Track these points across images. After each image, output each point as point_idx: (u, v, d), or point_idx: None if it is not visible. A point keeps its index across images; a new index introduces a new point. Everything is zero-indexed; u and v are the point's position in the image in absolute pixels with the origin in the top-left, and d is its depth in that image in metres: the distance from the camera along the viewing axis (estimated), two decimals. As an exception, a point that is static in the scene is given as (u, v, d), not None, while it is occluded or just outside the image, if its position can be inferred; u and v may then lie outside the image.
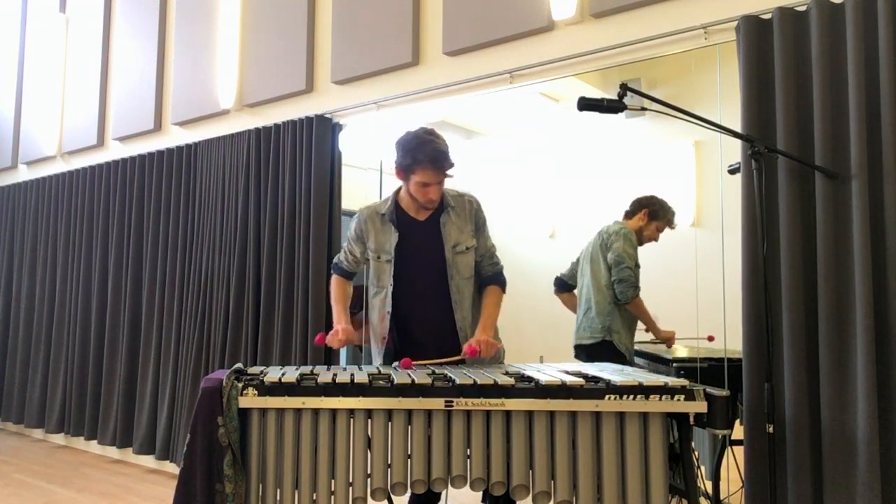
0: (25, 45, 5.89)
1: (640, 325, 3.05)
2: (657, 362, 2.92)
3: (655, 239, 3.04)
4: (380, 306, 2.47)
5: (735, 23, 2.46)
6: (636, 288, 2.97)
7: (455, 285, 2.43)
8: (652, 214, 3.04)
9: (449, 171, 2.34)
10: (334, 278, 2.62)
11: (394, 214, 2.46)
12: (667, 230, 3.03)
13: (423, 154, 2.29)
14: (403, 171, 2.36)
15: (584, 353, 3.04)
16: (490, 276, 2.51)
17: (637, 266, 3.03)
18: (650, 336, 3.03)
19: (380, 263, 2.47)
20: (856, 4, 2.21)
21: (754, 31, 2.41)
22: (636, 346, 3.05)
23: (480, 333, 2.35)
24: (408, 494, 2.01)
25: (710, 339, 2.71)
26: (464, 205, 2.48)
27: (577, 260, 3.27)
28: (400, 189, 2.49)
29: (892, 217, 2.11)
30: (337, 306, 2.54)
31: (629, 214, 3.11)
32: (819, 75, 2.26)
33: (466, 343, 2.33)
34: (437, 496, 2.44)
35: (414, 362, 2.24)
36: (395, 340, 2.51)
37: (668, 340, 2.98)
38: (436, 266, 2.42)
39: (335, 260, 2.65)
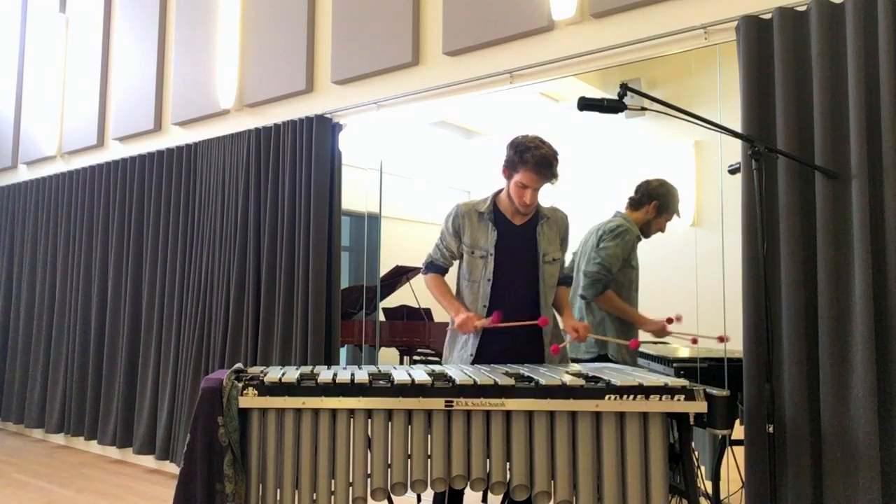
0: (25, 45, 5.89)
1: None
2: (657, 362, 2.91)
3: (663, 230, 2.94)
4: (472, 298, 2.54)
5: (735, 23, 2.46)
6: (597, 285, 2.82)
7: (542, 291, 2.51)
8: (661, 207, 2.92)
9: (548, 181, 2.44)
10: (431, 276, 2.66)
11: (493, 213, 2.54)
12: (674, 218, 2.93)
13: (531, 156, 2.38)
14: (509, 168, 2.47)
15: None
16: (562, 279, 2.64)
17: (633, 268, 2.92)
18: (649, 336, 3.00)
19: (473, 258, 2.54)
20: (856, 4, 2.21)
21: (754, 31, 2.41)
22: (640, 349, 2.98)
23: (573, 319, 2.52)
24: (409, 495, 2.01)
25: (721, 339, 2.63)
26: (557, 219, 2.60)
27: (575, 253, 3.16)
28: (500, 191, 2.58)
29: (892, 217, 2.11)
30: (448, 296, 2.60)
31: (635, 204, 2.97)
32: (819, 75, 2.26)
33: (569, 325, 2.48)
34: (460, 493, 2.44)
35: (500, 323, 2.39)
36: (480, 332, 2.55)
37: (659, 332, 2.89)
38: (528, 270, 2.52)
39: (427, 260, 2.68)
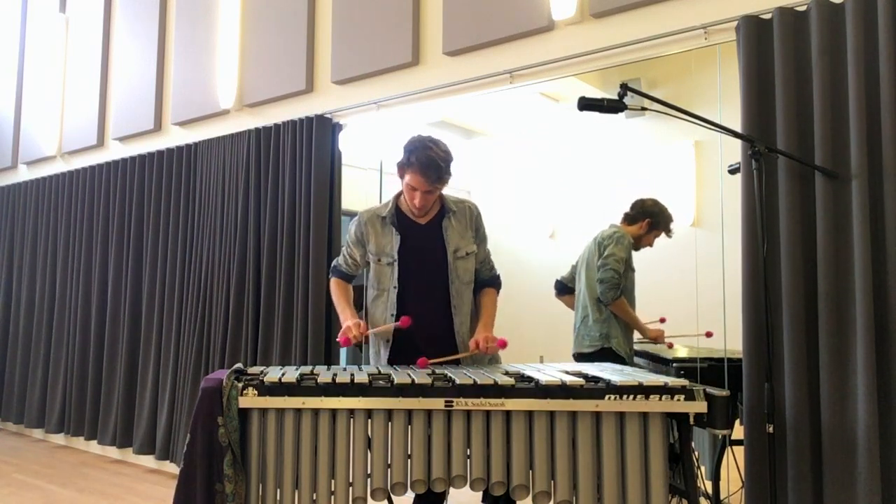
0: (25, 45, 5.89)
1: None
2: (657, 362, 2.92)
3: (651, 245, 3.06)
4: (382, 308, 2.47)
5: (735, 23, 2.46)
6: (616, 289, 2.95)
7: (455, 289, 2.44)
8: (654, 224, 3.03)
9: (436, 184, 2.34)
10: (334, 280, 2.62)
11: (395, 217, 2.47)
12: (662, 236, 3.06)
13: (416, 158, 2.31)
14: (400, 168, 2.40)
15: (585, 361, 3.03)
16: (487, 280, 2.55)
17: (632, 270, 3.02)
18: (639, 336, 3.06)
19: (380, 266, 2.47)
20: (856, 4, 2.21)
21: (754, 31, 2.41)
22: (636, 347, 3.05)
23: (483, 330, 2.37)
24: (408, 494, 2.01)
25: (709, 335, 2.71)
26: (464, 211, 2.50)
27: (577, 263, 3.27)
28: (401, 193, 2.49)
29: (892, 217, 2.11)
30: (342, 303, 2.54)
31: (630, 219, 3.09)
32: (819, 75, 2.26)
33: (472, 339, 2.35)
34: (442, 496, 2.43)
35: (429, 361, 2.26)
36: (393, 340, 2.51)
37: (656, 339, 2.98)
38: (436, 269, 2.43)
39: (334, 263, 2.65)
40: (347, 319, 2.43)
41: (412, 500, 2.47)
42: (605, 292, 2.96)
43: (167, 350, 4.22)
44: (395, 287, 2.43)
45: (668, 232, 3.03)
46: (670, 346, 2.90)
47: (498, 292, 2.57)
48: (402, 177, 2.40)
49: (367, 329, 2.39)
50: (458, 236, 2.46)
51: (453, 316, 2.43)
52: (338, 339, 2.41)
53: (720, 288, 2.59)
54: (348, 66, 3.66)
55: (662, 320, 2.94)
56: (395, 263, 2.44)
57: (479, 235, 2.53)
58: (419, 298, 2.43)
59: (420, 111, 3.45)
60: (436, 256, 2.43)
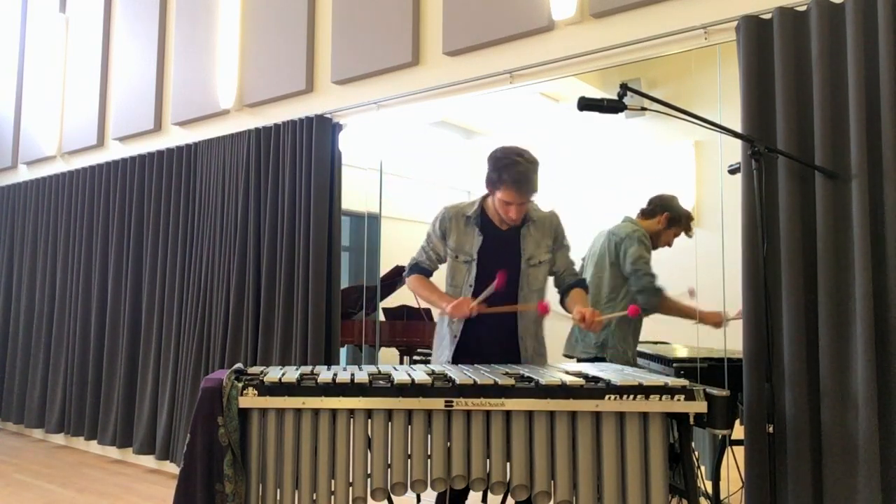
0: (25, 45, 5.89)
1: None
2: (657, 362, 2.91)
3: (670, 244, 2.91)
4: None
5: (735, 23, 2.46)
6: (657, 294, 2.79)
7: (523, 296, 2.46)
8: (672, 220, 2.90)
9: (530, 196, 2.38)
10: (414, 277, 2.59)
11: (479, 218, 2.50)
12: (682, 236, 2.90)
13: (509, 175, 2.33)
14: (491, 185, 2.42)
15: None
16: (574, 283, 2.55)
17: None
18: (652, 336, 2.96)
19: (457, 263, 2.50)
20: (856, 4, 2.21)
21: (754, 31, 2.41)
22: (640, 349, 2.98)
23: (587, 308, 2.36)
24: (409, 495, 2.01)
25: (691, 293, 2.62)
26: (545, 220, 2.52)
27: (584, 258, 3.21)
28: (487, 196, 2.52)
29: (892, 217, 2.11)
30: (436, 292, 2.51)
31: (647, 214, 2.96)
32: (819, 75, 2.26)
33: (578, 309, 2.34)
34: (465, 493, 2.43)
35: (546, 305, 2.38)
36: (459, 337, 2.51)
37: (716, 323, 2.76)
38: (509, 275, 2.44)
39: (411, 262, 2.63)
40: (450, 299, 2.41)
41: (435, 500, 2.50)
42: (648, 300, 2.79)
43: (167, 350, 4.22)
44: (470, 286, 2.46)
45: (689, 231, 2.87)
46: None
47: (587, 293, 2.56)
48: (491, 192, 2.44)
49: (474, 302, 2.36)
50: (534, 245, 2.49)
51: (518, 321, 2.46)
52: (449, 312, 2.39)
53: (720, 288, 2.59)
54: (348, 66, 3.66)
55: (691, 291, 2.76)
56: (474, 263, 2.47)
57: (558, 243, 2.54)
58: (491, 301, 2.44)
59: (420, 111, 3.45)
60: (511, 263, 2.46)
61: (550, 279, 2.57)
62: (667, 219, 2.90)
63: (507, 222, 2.45)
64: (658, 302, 2.81)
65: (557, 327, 3.33)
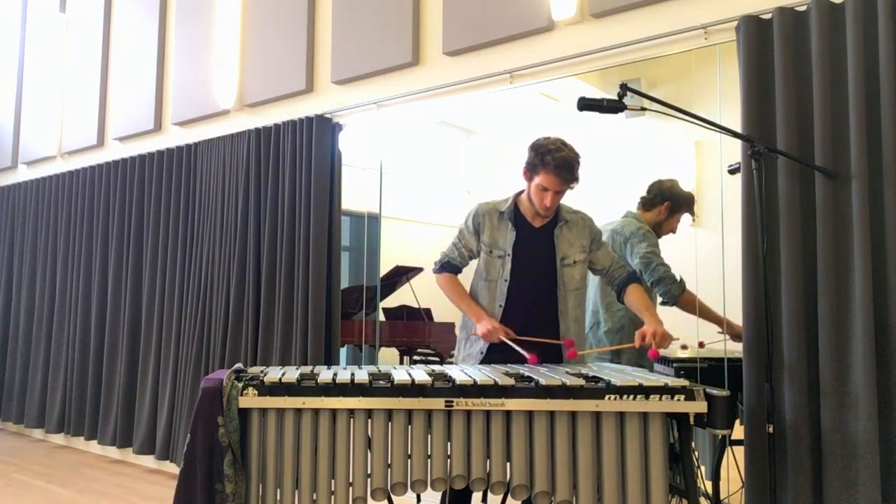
0: (25, 45, 5.89)
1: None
2: (657, 362, 2.91)
3: (674, 231, 2.89)
4: (490, 298, 2.51)
5: (735, 23, 2.46)
6: (679, 282, 2.74)
7: (562, 295, 2.48)
8: (674, 207, 2.88)
9: (569, 184, 2.40)
10: (445, 276, 2.61)
11: (513, 214, 2.52)
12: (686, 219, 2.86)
13: (552, 158, 2.35)
14: (530, 170, 2.43)
15: None
16: (626, 277, 2.55)
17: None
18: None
19: (491, 258, 2.52)
20: (856, 4, 2.21)
21: (754, 31, 2.41)
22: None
23: (653, 323, 2.33)
24: (409, 495, 2.01)
25: (701, 345, 2.66)
26: (578, 221, 2.54)
27: None
28: (521, 193, 2.55)
29: (892, 217, 2.11)
30: (468, 301, 2.54)
31: (647, 205, 2.94)
32: (819, 75, 2.26)
33: (639, 331, 2.32)
34: (468, 494, 2.44)
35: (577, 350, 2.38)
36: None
37: (736, 335, 2.62)
38: (545, 273, 2.48)
39: (441, 258, 2.63)
40: (483, 318, 2.44)
41: (440, 499, 2.51)
42: (668, 290, 2.75)
43: (167, 350, 4.22)
44: (506, 280, 2.48)
45: (692, 211, 2.84)
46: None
47: (643, 286, 2.56)
48: (529, 179, 2.45)
49: (507, 334, 2.40)
50: (567, 244, 2.50)
51: (559, 321, 2.47)
52: (478, 334, 2.43)
53: (720, 288, 2.59)
54: (348, 66, 3.66)
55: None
56: (508, 258, 2.48)
57: (596, 243, 2.56)
58: (527, 300, 2.48)
59: (420, 111, 3.45)
60: (545, 261, 2.48)
61: (594, 279, 2.56)
62: (668, 208, 2.89)
63: (540, 215, 2.46)
64: (679, 292, 2.76)
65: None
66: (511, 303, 2.48)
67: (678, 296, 2.77)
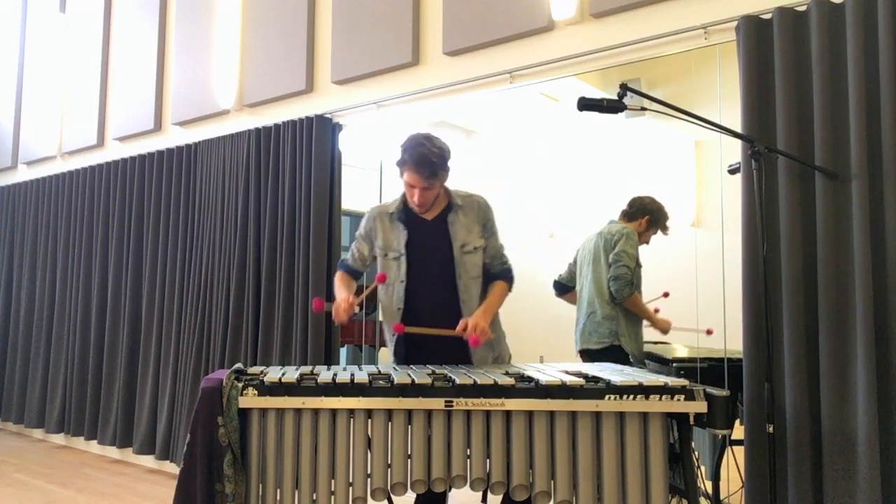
0: (25, 45, 5.89)
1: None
2: (658, 362, 2.92)
3: (648, 243, 3.09)
4: (388, 301, 2.50)
5: (735, 23, 2.46)
6: (631, 286, 2.97)
7: (463, 284, 2.44)
8: (652, 222, 3.07)
9: (431, 181, 2.35)
10: (338, 273, 2.63)
11: (402, 213, 2.49)
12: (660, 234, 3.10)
13: (409, 156, 2.33)
14: (399, 167, 2.42)
15: (591, 357, 3.03)
16: (498, 273, 2.52)
17: (638, 265, 3.02)
18: (654, 335, 3.05)
19: (387, 261, 2.50)
20: (856, 4, 2.21)
21: (754, 31, 2.41)
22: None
23: (479, 316, 2.33)
24: (409, 495, 2.01)
25: (709, 332, 2.73)
26: (472, 205, 2.50)
27: (574, 261, 3.26)
28: None
29: (892, 217, 2.11)
30: (340, 288, 2.53)
31: (629, 216, 3.10)
32: (819, 75, 2.26)
33: (463, 319, 2.32)
34: (444, 496, 2.43)
35: (406, 328, 2.36)
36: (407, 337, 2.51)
37: (665, 330, 3.02)
38: (444, 265, 2.44)
39: (341, 259, 2.67)
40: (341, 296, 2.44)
41: (413, 501, 2.47)
42: (619, 289, 2.97)
43: (167, 350, 4.22)
44: (402, 281, 2.45)
45: (665, 230, 3.06)
46: (709, 332, 2.80)
47: (510, 286, 2.54)
48: (401, 175, 2.42)
49: (353, 300, 2.37)
50: (464, 231, 2.45)
51: (462, 311, 2.43)
52: (313, 304, 2.48)
53: (720, 288, 2.59)
54: (348, 66, 3.66)
55: (666, 294, 2.99)
56: (403, 258, 2.45)
57: (488, 229, 2.51)
58: (427, 294, 2.45)
59: (420, 111, 3.45)
60: (443, 252, 2.44)
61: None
62: (647, 222, 3.08)
63: (415, 209, 2.44)
64: (628, 294, 2.97)
65: (560, 323, 3.34)
66: (410, 303, 2.45)
67: (624, 298, 2.99)
